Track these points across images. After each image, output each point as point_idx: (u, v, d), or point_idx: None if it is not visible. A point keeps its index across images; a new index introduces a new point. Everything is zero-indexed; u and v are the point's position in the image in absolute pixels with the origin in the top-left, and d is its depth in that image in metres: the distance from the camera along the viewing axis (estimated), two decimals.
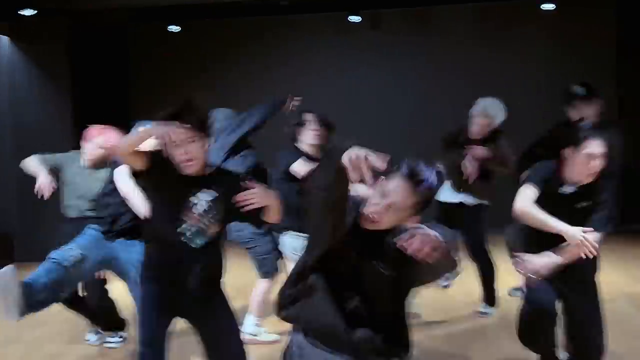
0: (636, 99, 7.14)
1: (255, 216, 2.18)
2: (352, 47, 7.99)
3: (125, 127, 7.57)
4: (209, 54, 8.22)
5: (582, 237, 2.37)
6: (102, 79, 8.15)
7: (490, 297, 4.07)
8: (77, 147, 6.09)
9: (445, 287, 4.12)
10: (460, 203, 3.92)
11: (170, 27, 8.07)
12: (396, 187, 1.61)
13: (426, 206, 1.68)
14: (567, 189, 2.57)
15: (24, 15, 6.82)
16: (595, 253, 2.40)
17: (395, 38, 7.90)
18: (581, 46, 7.55)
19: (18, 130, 6.96)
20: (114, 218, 3.02)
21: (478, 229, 3.95)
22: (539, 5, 7.27)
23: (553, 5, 7.19)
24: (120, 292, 3.80)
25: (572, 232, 2.40)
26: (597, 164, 2.51)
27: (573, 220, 2.47)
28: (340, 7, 7.69)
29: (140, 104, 7.96)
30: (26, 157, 5.45)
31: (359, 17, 7.72)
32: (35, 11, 6.74)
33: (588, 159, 2.49)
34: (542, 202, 2.55)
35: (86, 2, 7.27)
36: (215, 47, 8.24)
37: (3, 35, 7.14)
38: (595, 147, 2.49)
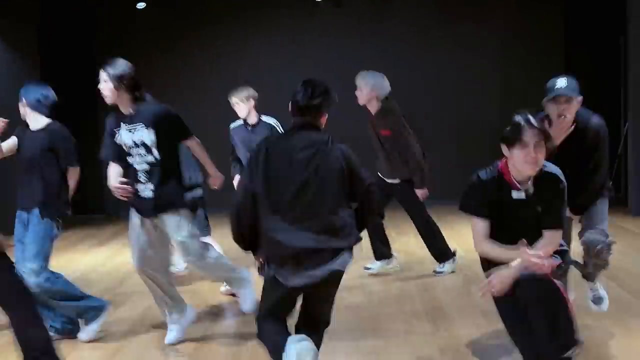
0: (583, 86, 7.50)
1: None
2: (317, 25, 7.95)
3: (91, 103, 7.60)
4: (173, 30, 8.05)
5: (534, 261, 2.29)
6: (70, 55, 8.07)
7: (437, 255, 4.36)
8: None
9: (368, 269, 4.46)
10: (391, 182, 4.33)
11: (138, 5, 7.83)
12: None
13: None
14: (516, 195, 2.44)
15: None
16: (549, 270, 2.32)
17: (356, 17, 7.88)
18: (532, 34, 7.73)
19: None
20: None
21: (408, 201, 4.30)
22: None
23: None
24: None
25: (523, 260, 2.31)
26: (534, 153, 2.36)
27: (529, 224, 2.42)
28: None
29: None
30: None
31: None
32: None
33: (523, 149, 2.34)
34: (496, 212, 2.46)
35: None
36: (179, 25, 8.09)
37: None
38: (529, 136, 2.34)
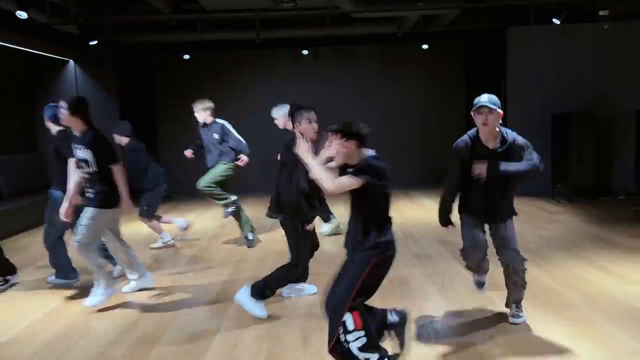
0: None
1: None
2: (303, 72, 10.58)
3: (153, 124, 10.43)
4: (206, 73, 10.53)
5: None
6: (139, 91, 10.38)
7: None
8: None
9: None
10: None
11: (184, 56, 10.42)
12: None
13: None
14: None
15: (88, 44, 8.91)
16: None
17: (330, 65, 10.65)
18: (443, 70, 10.68)
19: None
20: None
21: None
22: (420, 44, 10.55)
23: (427, 45, 10.58)
24: None
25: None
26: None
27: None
28: (296, 44, 10.34)
29: (163, 108, 10.72)
30: None
31: (307, 51, 10.55)
32: (97, 41, 8.87)
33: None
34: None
35: (127, 37, 9.61)
36: (209, 69, 10.58)
37: (71, 59, 9.59)
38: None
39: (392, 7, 8.53)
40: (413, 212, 8.20)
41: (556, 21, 8.84)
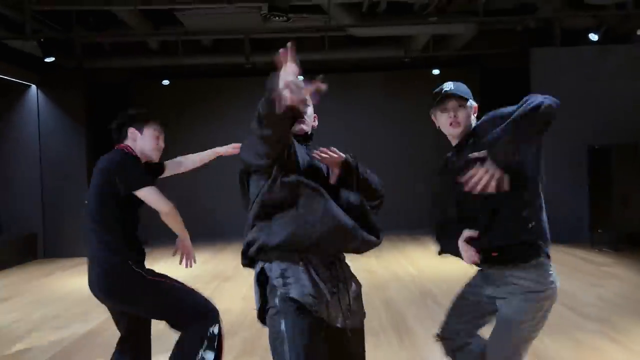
0: None
1: None
2: None
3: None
4: (188, 99, 9.71)
5: None
6: (110, 117, 9.78)
7: None
8: (90, 171, 7.86)
9: None
10: None
11: (163, 81, 9.61)
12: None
13: None
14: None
15: (49, 67, 8.00)
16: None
17: (329, 96, 10.08)
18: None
19: (44, 155, 8.45)
20: None
21: None
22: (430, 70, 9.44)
23: (438, 71, 9.46)
24: None
25: None
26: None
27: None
28: None
29: None
30: (51, 175, 7.28)
31: (302, 77, 9.92)
32: (53, 58, 7.72)
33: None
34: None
35: (99, 61, 8.84)
36: (193, 95, 9.74)
37: (33, 84, 8.53)
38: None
39: (399, 21, 7.41)
40: (427, 262, 6.75)
41: (593, 37, 7.69)
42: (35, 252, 8.45)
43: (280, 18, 6.88)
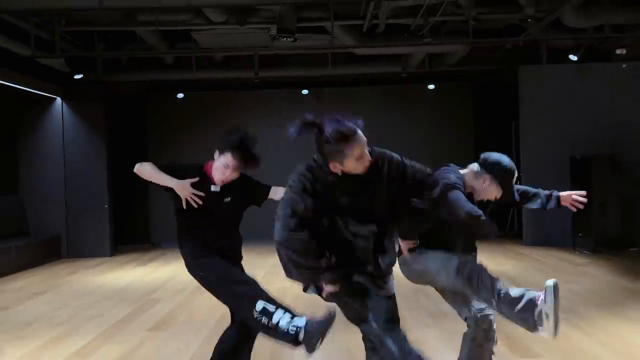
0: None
1: None
2: (302, 111, 10.42)
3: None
4: (202, 112, 10.10)
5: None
6: (129, 131, 10.06)
7: None
8: (109, 177, 8.24)
9: None
10: None
11: (178, 95, 10.09)
12: None
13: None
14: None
15: (72, 81, 8.58)
16: None
17: (329, 107, 10.33)
18: (449, 112, 10.17)
19: (68, 163, 9.04)
20: None
21: None
22: (425, 85, 10.09)
23: (433, 85, 10.09)
24: None
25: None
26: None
27: None
28: (296, 84, 10.00)
29: (155, 149, 10.14)
30: (74, 181, 7.70)
31: (307, 91, 10.18)
32: (82, 75, 8.44)
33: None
34: None
35: (118, 75, 9.33)
36: (206, 108, 10.14)
37: (58, 96, 9.14)
38: None
39: (396, 41, 8.04)
40: None
41: (573, 57, 8.33)
42: (59, 252, 9.07)
43: (288, 39, 7.50)
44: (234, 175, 2.86)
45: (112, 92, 9.59)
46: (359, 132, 2.21)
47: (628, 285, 5.88)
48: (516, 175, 2.75)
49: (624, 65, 8.33)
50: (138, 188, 10.31)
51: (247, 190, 3.01)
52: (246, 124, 10.35)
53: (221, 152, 2.88)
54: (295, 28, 7.29)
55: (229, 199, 2.90)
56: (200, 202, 2.80)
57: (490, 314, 2.65)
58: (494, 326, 2.70)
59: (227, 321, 3.06)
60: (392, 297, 2.41)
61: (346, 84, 10.20)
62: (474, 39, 7.42)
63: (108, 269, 7.96)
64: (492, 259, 7.26)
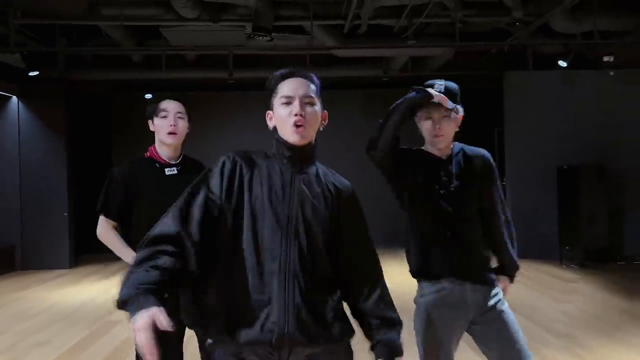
0: None
1: None
2: None
3: (107, 168, 9.38)
4: None
5: None
6: (92, 132, 9.56)
7: None
8: (71, 180, 7.68)
9: None
10: None
11: (146, 95, 9.07)
12: None
13: None
14: None
15: (30, 79, 8.03)
16: None
17: None
18: None
19: (24, 167, 8.42)
20: None
21: None
22: (407, 90, 9.89)
23: None
24: None
25: None
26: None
27: None
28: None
29: (120, 153, 9.68)
30: (30, 186, 7.15)
31: None
32: (37, 72, 7.92)
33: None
34: None
35: (79, 73, 8.75)
36: None
37: (14, 95, 8.51)
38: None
39: (379, 43, 7.66)
40: (405, 277, 6.94)
41: (562, 63, 8.07)
42: (13, 264, 8.37)
43: (264, 38, 7.04)
44: (181, 124, 2.59)
45: (75, 91, 9.01)
46: None
47: (622, 304, 5.60)
48: None
49: (611, 73, 8.12)
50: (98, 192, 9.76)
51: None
52: (220, 126, 10.16)
53: (152, 119, 2.63)
54: (272, 27, 6.86)
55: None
56: None
57: None
58: None
59: (193, 349, 2.53)
60: None
61: (326, 86, 9.76)
62: (460, 41, 7.09)
63: (65, 284, 7.35)
64: None
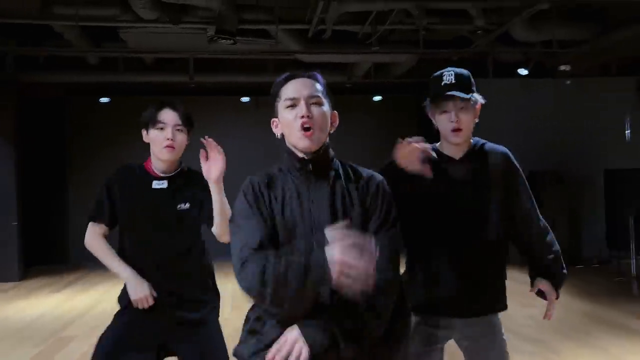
0: None
1: None
2: (242, 122, 9.47)
3: (62, 177, 8.91)
4: (129, 124, 9.50)
5: None
6: (44, 133, 9.11)
7: None
8: (20, 188, 7.29)
9: None
10: None
11: (102, 99, 9.24)
12: None
13: None
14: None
15: None
16: None
17: (272, 117, 9.96)
18: (394, 125, 9.80)
19: None
20: None
21: None
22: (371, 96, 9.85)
23: (380, 97, 9.86)
24: None
25: None
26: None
27: None
28: (235, 91, 9.44)
29: (75, 158, 9.28)
30: None
31: (248, 98, 9.66)
32: None
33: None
34: None
35: (30, 75, 8.32)
36: (133, 118, 9.54)
37: None
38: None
39: (343, 49, 7.63)
40: None
41: (523, 72, 8.23)
42: None
43: (227, 41, 6.87)
44: (179, 138, 2.36)
45: (26, 93, 8.60)
46: None
47: (586, 308, 5.69)
48: None
49: (567, 82, 8.34)
50: (54, 201, 9.30)
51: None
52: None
53: (147, 129, 2.42)
54: (236, 30, 6.71)
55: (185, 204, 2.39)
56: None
57: None
58: None
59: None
60: None
61: None
62: (423, 48, 7.13)
63: (13, 298, 6.92)
64: None
